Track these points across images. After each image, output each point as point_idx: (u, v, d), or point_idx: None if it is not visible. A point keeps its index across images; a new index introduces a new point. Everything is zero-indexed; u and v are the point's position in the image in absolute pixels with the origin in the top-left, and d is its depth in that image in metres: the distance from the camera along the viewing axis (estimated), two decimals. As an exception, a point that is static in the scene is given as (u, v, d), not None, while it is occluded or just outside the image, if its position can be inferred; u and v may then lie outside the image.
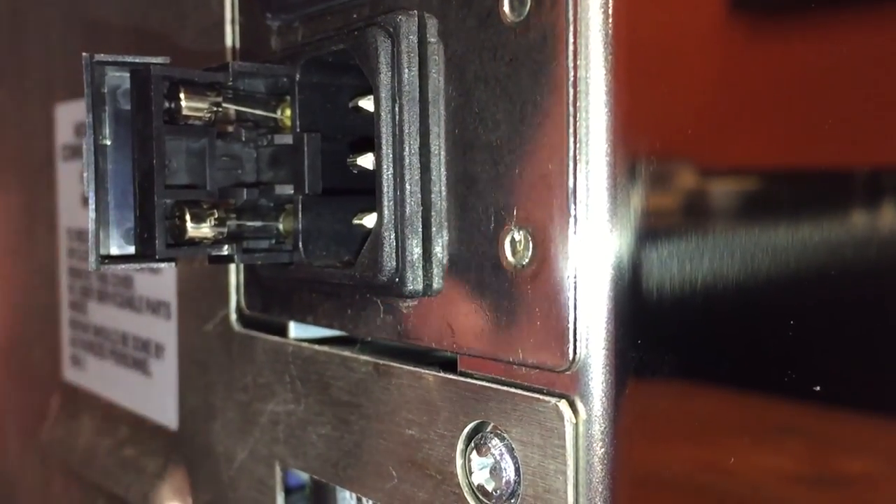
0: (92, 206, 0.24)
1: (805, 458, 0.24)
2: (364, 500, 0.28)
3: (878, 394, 0.24)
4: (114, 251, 0.25)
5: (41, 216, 0.46)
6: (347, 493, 0.29)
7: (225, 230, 0.25)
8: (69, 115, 0.43)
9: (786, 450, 0.23)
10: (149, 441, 0.37)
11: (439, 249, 0.22)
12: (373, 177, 0.23)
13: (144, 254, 0.24)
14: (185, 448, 0.35)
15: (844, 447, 0.24)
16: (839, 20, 0.23)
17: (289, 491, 0.31)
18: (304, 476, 0.31)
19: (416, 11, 0.22)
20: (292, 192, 0.25)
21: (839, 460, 0.25)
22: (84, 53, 0.24)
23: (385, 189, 0.23)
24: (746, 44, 0.22)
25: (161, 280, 0.36)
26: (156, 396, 0.36)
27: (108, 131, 0.25)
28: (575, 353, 0.19)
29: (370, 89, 0.23)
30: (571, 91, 0.19)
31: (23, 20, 0.48)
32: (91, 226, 0.24)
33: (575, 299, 0.19)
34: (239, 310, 0.31)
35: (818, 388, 0.23)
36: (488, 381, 0.22)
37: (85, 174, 0.25)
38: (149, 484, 0.36)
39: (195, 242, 0.25)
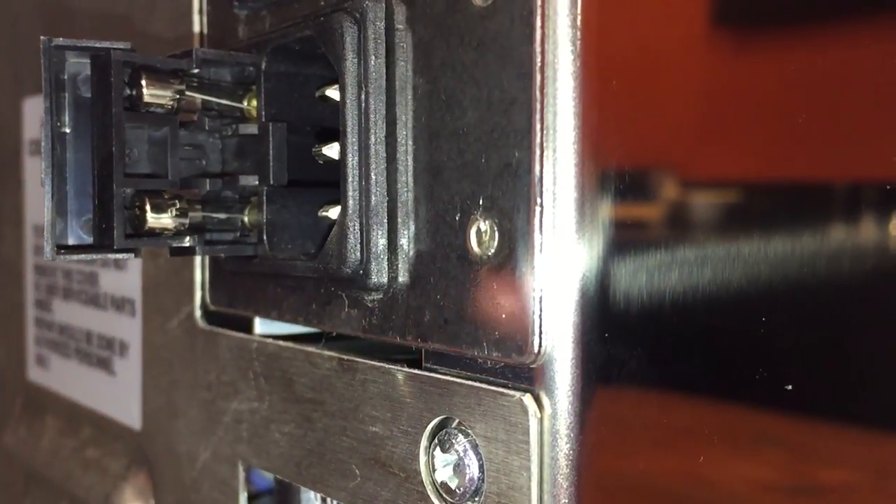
0: (48, 194, 0.24)
1: (782, 467, 0.23)
2: (328, 500, 0.27)
3: (854, 404, 0.24)
4: (72, 242, 0.25)
5: (8, 212, 0.45)
6: (312, 494, 0.28)
7: (187, 221, 0.24)
8: (37, 110, 0.42)
9: (762, 458, 0.23)
10: (112, 442, 0.36)
11: (405, 241, 0.22)
12: (339, 168, 0.22)
13: (102, 244, 0.24)
14: (148, 448, 0.34)
15: (822, 457, 0.24)
16: (817, 35, 0.23)
17: (258, 494, 0.30)
18: (272, 478, 0.30)
19: (383, -3, 0.22)
20: (257, 183, 0.25)
21: (816, 470, 0.24)
22: (42, 37, 0.24)
23: (350, 179, 0.22)
24: (725, 51, 0.22)
25: (126, 276, 0.35)
26: (119, 396, 0.35)
27: (67, 118, 0.24)
28: (540, 345, 0.19)
29: (337, 79, 0.22)
30: (539, 77, 0.19)
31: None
32: (47, 215, 0.24)
33: (541, 290, 0.19)
34: (204, 306, 0.30)
35: (790, 387, 0.22)
36: (453, 375, 0.21)
37: (42, 162, 0.24)
38: (111, 485, 0.35)
39: (156, 233, 0.24)
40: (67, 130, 0.25)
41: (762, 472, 0.23)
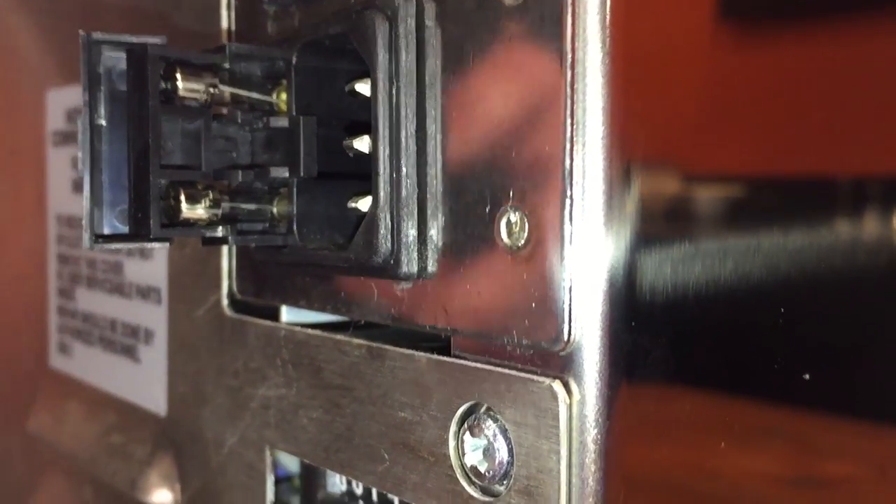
0: (87, 185, 0.24)
1: (789, 459, 0.24)
2: (354, 483, 0.28)
3: (862, 397, 0.25)
4: (107, 231, 0.25)
5: (30, 202, 0.46)
6: (337, 479, 0.29)
7: (219, 212, 0.25)
8: (61, 101, 0.42)
9: (770, 451, 0.23)
10: (137, 428, 0.37)
11: (434, 232, 0.22)
12: (368, 161, 0.23)
13: (139, 233, 0.24)
14: (174, 434, 0.34)
15: (828, 450, 0.25)
16: (831, 28, 0.24)
17: (277, 481, 0.31)
18: (290, 467, 0.31)
19: (414, -6, 0.22)
20: (287, 175, 0.25)
21: (823, 463, 0.25)
22: (81, 32, 0.24)
23: (381, 171, 0.23)
24: (749, 46, 0.22)
25: (151, 265, 0.35)
26: (144, 383, 0.36)
27: (103, 111, 0.25)
28: (570, 334, 0.20)
29: (367, 73, 0.23)
30: (569, 73, 0.19)
31: (14, 3, 0.48)
32: (86, 205, 0.24)
33: (570, 280, 0.19)
34: (231, 295, 0.31)
35: (807, 377, 0.23)
36: (482, 362, 0.22)
37: (80, 154, 0.25)
38: (136, 470, 0.36)
39: (189, 223, 0.25)
40: (103, 123, 0.25)
41: (770, 464, 0.23)
